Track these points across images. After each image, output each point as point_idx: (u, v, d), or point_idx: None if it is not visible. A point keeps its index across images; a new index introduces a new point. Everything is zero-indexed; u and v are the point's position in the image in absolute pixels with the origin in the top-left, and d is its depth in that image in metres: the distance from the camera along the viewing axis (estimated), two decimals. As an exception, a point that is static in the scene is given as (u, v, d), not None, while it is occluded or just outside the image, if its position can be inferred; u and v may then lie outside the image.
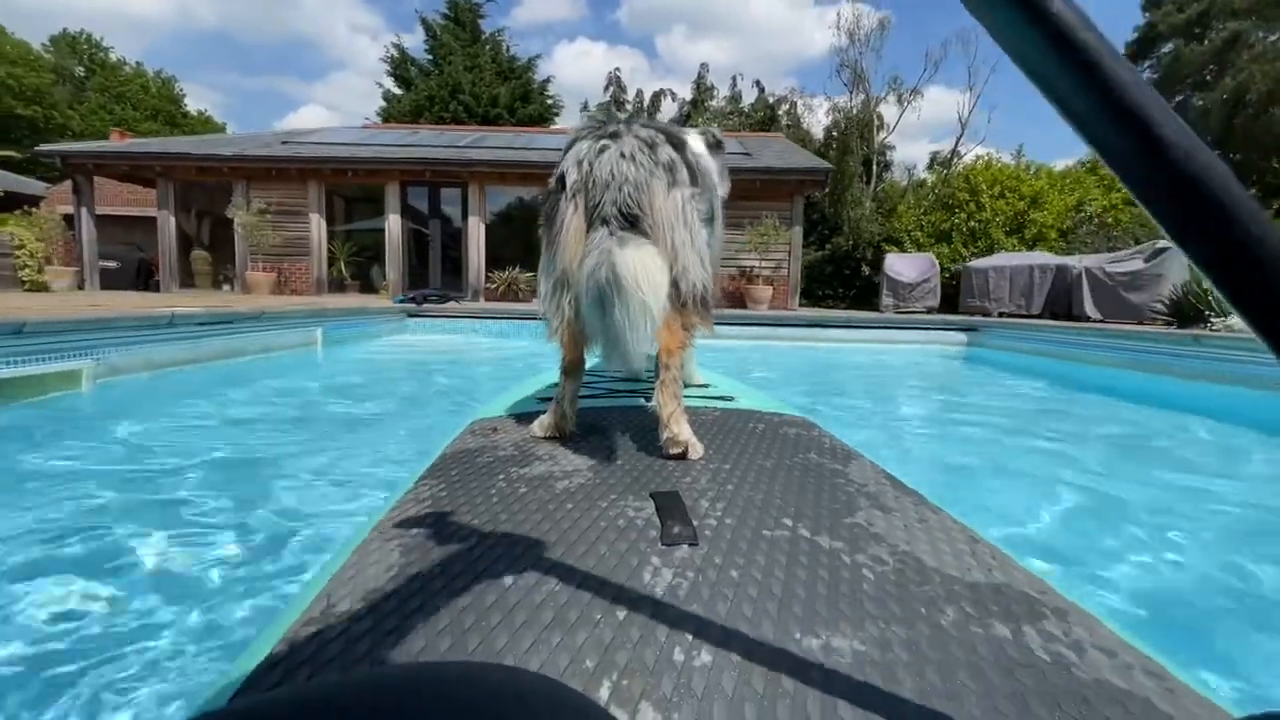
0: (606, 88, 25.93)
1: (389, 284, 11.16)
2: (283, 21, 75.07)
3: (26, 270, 7.18)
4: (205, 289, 11.55)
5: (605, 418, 1.43)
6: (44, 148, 10.66)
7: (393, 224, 11.32)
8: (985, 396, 4.94)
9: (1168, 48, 24.23)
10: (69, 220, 13.29)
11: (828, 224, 19.25)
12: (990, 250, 14.30)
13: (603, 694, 0.48)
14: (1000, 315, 10.13)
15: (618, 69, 26.12)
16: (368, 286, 11.79)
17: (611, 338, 1.06)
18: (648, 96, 25.53)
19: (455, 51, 21.45)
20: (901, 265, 11.50)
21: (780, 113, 24.05)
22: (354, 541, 0.77)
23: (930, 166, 24.01)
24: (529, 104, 22.09)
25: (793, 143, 15.38)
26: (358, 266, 11.92)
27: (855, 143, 20.40)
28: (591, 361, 1.35)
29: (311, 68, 76.92)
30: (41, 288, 7.47)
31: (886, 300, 11.25)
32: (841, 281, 18.21)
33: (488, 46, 22.51)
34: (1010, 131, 32.33)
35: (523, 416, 1.43)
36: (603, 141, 1.13)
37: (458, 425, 1.41)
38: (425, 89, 21.22)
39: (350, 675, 0.29)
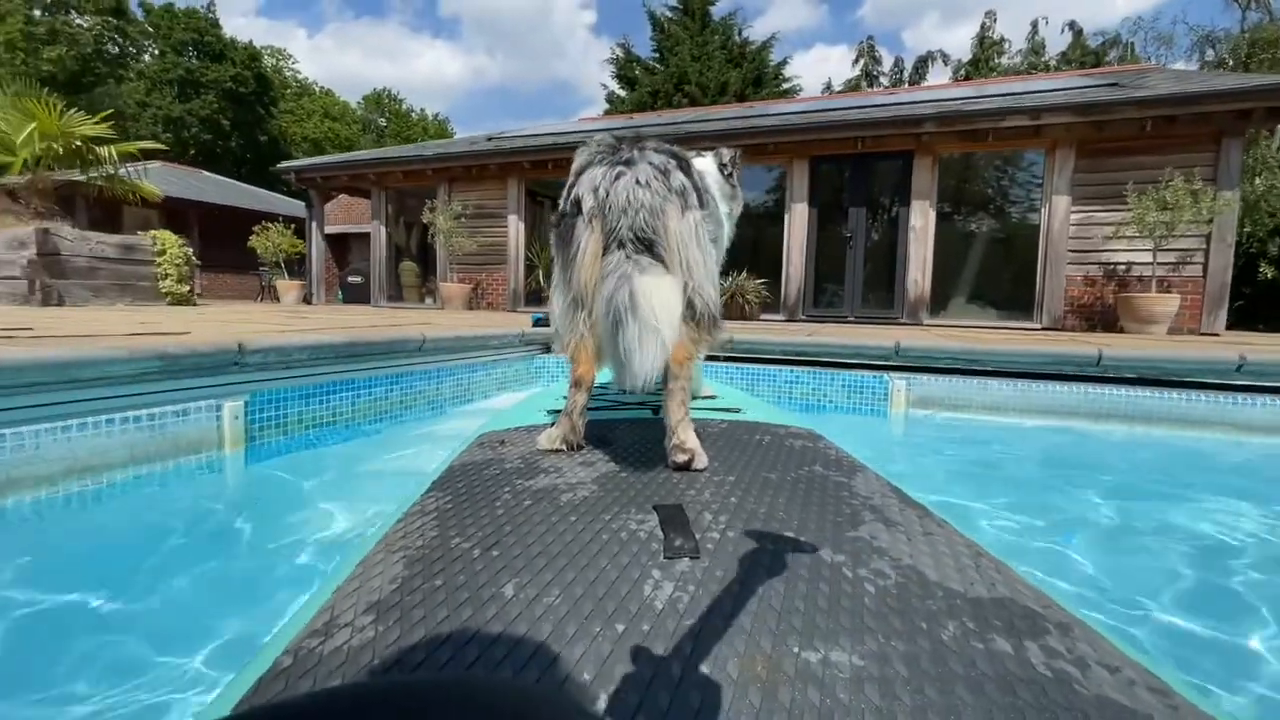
0: (856, 60, 21.84)
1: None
2: (549, 69, 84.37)
3: (168, 280, 6.43)
4: (412, 301, 10.84)
5: (612, 429, 1.42)
6: (281, 165, 10.83)
7: (594, 222, 9.24)
8: None
9: None
10: (335, 239, 14.27)
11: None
12: None
13: (599, 707, 0.48)
14: None
15: (871, 37, 21.87)
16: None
17: (622, 358, 1.10)
18: (909, 67, 20.84)
19: (683, 42, 19.50)
20: None
21: (1108, 60, 17.52)
22: (360, 554, 0.76)
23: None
24: (761, 88, 19.18)
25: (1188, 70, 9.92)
26: (557, 275, 10.18)
27: (1257, 78, 13.44)
28: (603, 377, 1.34)
29: (567, 106, 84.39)
30: (184, 300, 6.71)
31: None
32: (1225, 288, 11.67)
33: (716, 34, 20.10)
34: None
35: (531, 429, 1.41)
36: (618, 168, 1.17)
37: None
38: (648, 84, 19.59)
39: (340, 687, 0.27)
